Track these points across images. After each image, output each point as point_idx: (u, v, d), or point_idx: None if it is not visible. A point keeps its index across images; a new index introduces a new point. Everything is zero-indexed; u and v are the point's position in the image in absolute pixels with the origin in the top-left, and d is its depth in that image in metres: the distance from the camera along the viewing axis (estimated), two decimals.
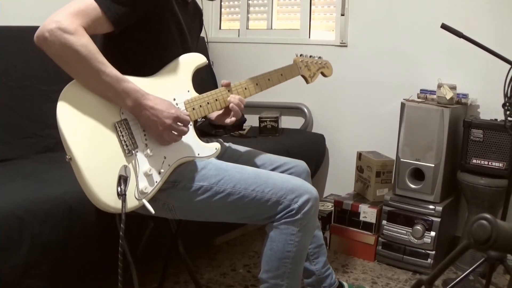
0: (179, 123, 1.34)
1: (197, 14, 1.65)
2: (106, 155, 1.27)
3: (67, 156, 1.24)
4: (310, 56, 1.73)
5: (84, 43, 1.21)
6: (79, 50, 1.20)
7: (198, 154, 1.43)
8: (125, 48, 1.37)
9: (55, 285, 1.44)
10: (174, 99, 1.41)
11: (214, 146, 1.46)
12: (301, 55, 1.71)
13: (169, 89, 1.40)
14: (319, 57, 1.75)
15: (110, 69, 1.25)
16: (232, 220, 1.43)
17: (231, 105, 1.47)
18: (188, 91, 1.44)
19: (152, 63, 1.40)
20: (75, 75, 1.26)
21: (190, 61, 1.47)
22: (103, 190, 1.25)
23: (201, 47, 3.04)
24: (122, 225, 1.18)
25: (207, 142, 1.51)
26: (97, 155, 1.25)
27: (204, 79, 1.66)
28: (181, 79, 1.44)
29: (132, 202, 1.29)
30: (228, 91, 1.51)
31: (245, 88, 1.54)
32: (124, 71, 1.29)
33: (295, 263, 1.38)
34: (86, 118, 1.26)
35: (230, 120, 1.49)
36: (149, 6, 1.32)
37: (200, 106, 1.45)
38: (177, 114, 1.33)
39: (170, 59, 1.43)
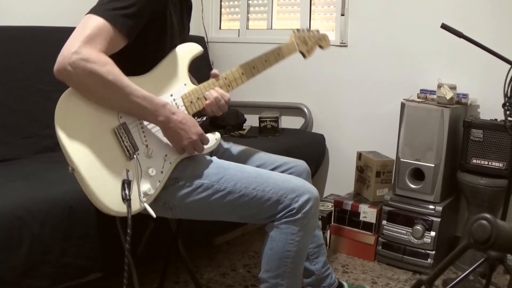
0: (201, 141, 1.38)
1: (185, 5, 1.61)
2: (108, 161, 1.27)
3: (70, 168, 1.24)
4: (308, 30, 1.69)
5: (109, 69, 1.21)
6: (105, 76, 1.20)
7: None
8: (125, 51, 1.34)
9: (55, 285, 1.44)
10: (171, 95, 1.40)
11: (214, 137, 1.46)
12: (297, 30, 1.67)
13: (166, 84, 1.40)
14: (317, 31, 1.72)
15: (137, 90, 1.26)
16: (232, 219, 1.43)
17: (207, 102, 1.43)
18: (185, 85, 1.43)
19: (151, 61, 1.39)
20: (101, 100, 1.26)
21: (185, 52, 1.45)
22: (108, 196, 1.25)
23: (201, 47, 3.03)
24: (128, 230, 1.19)
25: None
26: (99, 162, 1.26)
27: (204, 79, 1.65)
28: (177, 72, 1.43)
29: (136, 205, 1.30)
30: (225, 78, 1.48)
31: (242, 73, 1.51)
32: (123, 69, 1.28)
33: (295, 263, 1.38)
34: (85, 127, 1.25)
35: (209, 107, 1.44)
36: (152, 8, 1.31)
37: (198, 98, 1.44)
38: (202, 132, 1.38)
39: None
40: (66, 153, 1.24)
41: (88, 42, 1.18)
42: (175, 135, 1.34)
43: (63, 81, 1.21)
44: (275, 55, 1.58)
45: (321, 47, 1.74)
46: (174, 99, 1.40)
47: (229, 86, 1.49)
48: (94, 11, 1.24)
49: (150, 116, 1.31)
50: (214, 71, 1.48)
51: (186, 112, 1.41)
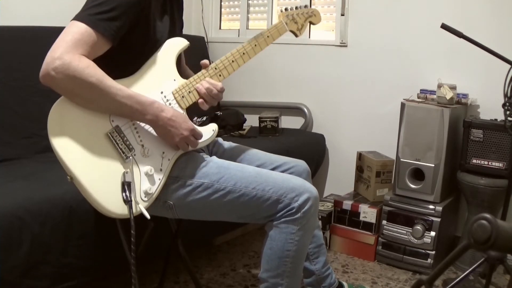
0: (193, 136, 1.37)
1: (175, 1, 1.58)
2: (105, 166, 1.27)
3: (68, 177, 1.25)
4: (296, 8, 1.63)
5: (91, 71, 1.21)
6: (87, 79, 1.21)
7: None
8: (112, 53, 1.34)
9: (55, 285, 1.44)
10: (162, 92, 1.40)
11: (211, 128, 1.45)
12: (285, 9, 1.62)
13: (155, 83, 1.39)
14: (305, 6, 1.66)
15: (122, 90, 1.26)
16: (232, 219, 1.43)
17: (200, 100, 1.43)
18: (174, 80, 1.42)
19: (139, 62, 1.39)
20: (88, 103, 1.27)
21: (171, 47, 1.44)
22: (109, 200, 1.26)
23: (201, 47, 3.04)
24: (132, 231, 1.19)
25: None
26: (96, 168, 1.26)
27: None
28: (165, 69, 1.42)
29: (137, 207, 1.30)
30: (215, 68, 1.46)
31: (232, 61, 1.49)
32: (112, 72, 1.28)
33: (295, 262, 1.38)
34: (78, 134, 1.26)
35: (200, 100, 1.43)
36: (135, 10, 1.30)
37: (189, 92, 1.43)
38: (193, 127, 1.37)
39: None
40: (62, 162, 1.24)
41: (70, 48, 1.20)
42: (166, 133, 1.34)
43: (49, 86, 1.22)
44: (265, 38, 1.54)
45: (312, 23, 1.69)
46: (164, 96, 1.40)
47: (220, 75, 1.47)
48: (76, 17, 1.25)
49: (139, 116, 1.31)
50: (204, 61, 1.47)
51: (178, 107, 1.41)
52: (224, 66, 1.47)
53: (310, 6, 2.86)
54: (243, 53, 1.50)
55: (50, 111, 1.25)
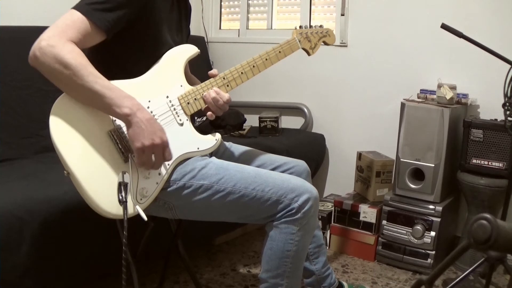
0: (163, 152, 1.27)
1: (183, 9, 1.60)
2: (103, 164, 1.27)
3: (65, 171, 1.24)
4: (310, 27, 1.63)
5: (74, 56, 1.21)
6: (68, 62, 1.19)
7: (198, 148, 1.41)
8: (115, 51, 1.34)
9: (54, 285, 1.44)
10: (167, 97, 1.39)
11: (214, 138, 1.44)
12: (300, 27, 1.62)
13: (161, 87, 1.39)
14: (320, 26, 1.66)
15: (102, 78, 1.23)
16: (232, 220, 1.43)
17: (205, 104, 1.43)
18: (181, 86, 1.42)
19: (143, 63, 1.39)
20: (69, 89, 1.25)
21: (180, 53, 1.44)
22: (104, 199, 1.25)
23: (201, 47, 3.04)
24: (125, 232, 1.18)
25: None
26: (94, 165, 1.25)
27: (204, 80, 1.65)
28: (173, 74, 1.42)
29: (133, 208, 1.30)
30: (224, 78, 1.46)
31: (242, 73, 1.48)
32: (115, 74, 1.28)
33: (295, 263, 1.38)
34: (79, 130, 1.25)
35: (209, 113, 1.44)
36: (137, 4, 1.31)
37: (195, 99, 1.42)
38: (168, 144, 1.28)
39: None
40: (60, 156, 1.24)
41: (58, 31, 1.22)
42: (138, 132, 1.23)
43: (35, 67, 1.23)
44: (276, 53, 1.54)
45: (326, 43, 1.68)
46: (170, 101, 1.39)
47: (227, 86, 1.47)
48: (74, 6, 1.27)
49: (116, 108, 1.23)
50: (212, 71, 1.47)
51: (183, 113, 1.40)
52: (233, 77, 1.47)
53: (310, 6, 2.88)
54: (253, 66, 1.50)
55: (54, 103, 1.25)
